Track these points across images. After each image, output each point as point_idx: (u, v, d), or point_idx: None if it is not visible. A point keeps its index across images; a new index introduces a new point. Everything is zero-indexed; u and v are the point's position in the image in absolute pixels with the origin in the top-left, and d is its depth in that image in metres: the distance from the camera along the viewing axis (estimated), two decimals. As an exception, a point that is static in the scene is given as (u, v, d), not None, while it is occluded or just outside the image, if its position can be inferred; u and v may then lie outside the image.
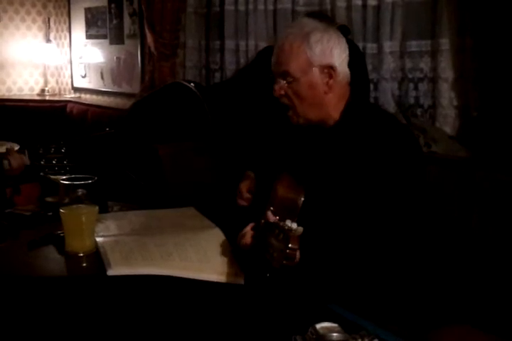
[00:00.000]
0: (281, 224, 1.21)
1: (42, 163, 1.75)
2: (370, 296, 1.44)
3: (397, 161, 1.48)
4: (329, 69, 1.55)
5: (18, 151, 1.77)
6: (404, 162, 1.50)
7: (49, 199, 1.86)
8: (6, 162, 1.75)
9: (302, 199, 1.52)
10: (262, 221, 1.34)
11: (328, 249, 1.42)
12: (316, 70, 1.55)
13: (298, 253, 1.23)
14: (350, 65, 1.61)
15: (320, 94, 1.57)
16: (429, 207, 1.56)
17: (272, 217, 1.35)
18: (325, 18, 2.70)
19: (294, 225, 1.19)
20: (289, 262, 1.17)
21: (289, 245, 1.16)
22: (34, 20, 5.34)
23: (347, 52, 1.59)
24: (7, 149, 1.80)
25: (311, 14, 2.73)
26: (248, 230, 1.44)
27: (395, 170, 1.47)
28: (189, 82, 3.24)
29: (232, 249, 1.53)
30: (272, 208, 1.42)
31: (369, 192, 1.45)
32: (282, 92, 1.58)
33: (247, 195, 1.78)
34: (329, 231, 1.43)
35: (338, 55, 1.56)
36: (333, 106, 1.58)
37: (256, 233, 1.39)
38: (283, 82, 1.57)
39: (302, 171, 1.59)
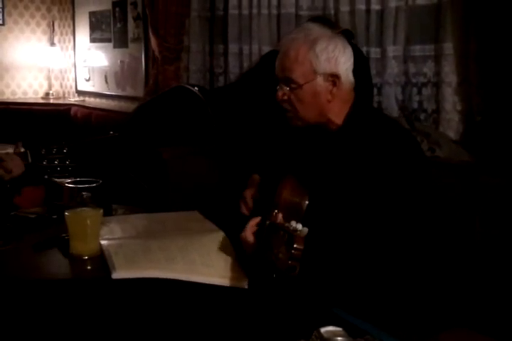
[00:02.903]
0: (286, 225, 1.22)
1: (44, 163, 1.75)
2: (373, 300, 1.44)
3: (400, 165, 1.48)
4: (333, 78, 1.55)
5: (19, 152, 1.77)
6: (407, 166, 1.50)
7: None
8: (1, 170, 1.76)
9: (306, 202, 1.52)
10: (267, 222, 1.34)
11: (332, 253, 1.42)
12: (320, 78, 1.54)
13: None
14: (354, 70, 1.61)
15: (323, 102, 1.56)
16: (432, 212, 1.55)
17: (278, 218, 1.35)
18: (328, 22, 2.72)
19: (299, 226, 1.19)
20: (294, 263, 1.17)
21: (295, 246, 1.16)
22: (38, 24, 5.36)
23: (352, 59, 1.59)
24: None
25: (314, 19, 2.74)
26: (251, 225, 1.44)
27: (398, 175, 1.47)
28: (193, 85, 3.25)
29: (236, 253, 1.53)
30: (276, 211, 1.42)
31: (373, 195, 1.45)
32: (285, 98, 1.58)
33: (252, 203, 1.78)
34: (333, 235, 1.43)
35: (343, 64, 1.56)
36: (335, 112, 1.58)
37: (260, 234, 1.40)
38: (286, 88, 1.57)
39: (306, 174, 1.59)
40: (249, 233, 1.43)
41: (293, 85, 1.55)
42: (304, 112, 1.58)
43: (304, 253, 1.17)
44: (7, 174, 1.74)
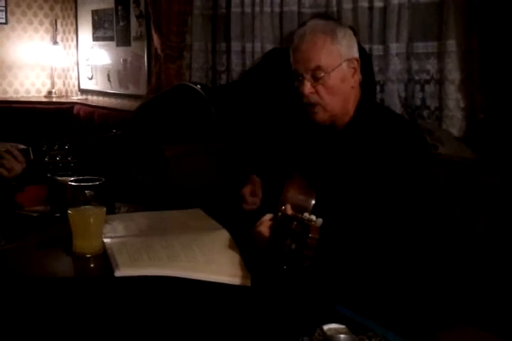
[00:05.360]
0: (300, 216, 1.23)
1: (46, 159, 1.76)
2: (377, 297, 1.44)
3: (409, 163, 1.49)
4: (354, 63, 1.60)
5: (21, 149, 1.77)
6: (416, 163, 1.51)
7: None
8: (2, 169, 1.76)
9: (313, 201, 1.52)
10: (280, 214, 1.35)
11: (337, 250, 1.42)
12: (344, 64, 1.59)
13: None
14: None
15: (348, 88, 1.61)
16: (438, 209, 1.56)
17: (289, 210, 1.35)
18: (332, 19, 2.71)
19: (313, 217, 1.20)
20: (308, 252, 1.18)
21: (310, 235, 1.17)
22: (41, 23, 5.36)
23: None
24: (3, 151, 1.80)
25: (317, 16, 2.74)
26: (266, 219, 1.45)
27: (407, 172, 1.47)
28: (195, 83, 3.25)
29: (239, 250, 1.53)
30: (285, 205, 1.42)
31: (381, 194, 1.45)
32: (312, 90, 1.59)
33: (250, 199, 1.78)
34: (339, 234, 1.43)
35: (356, 51, 1.62)
36: (353, 101, 1.62)
37: (273, 226, 1.40)
38: (313, 80, 1.58)
39: (313, 173, 1.59)
40: (265, 227, 1.43)
41: (321, 74, 1.57)
42: (332, 101, 1.60)
43: (319, 242, 1.18)
44: (8, 172, 1.74)
